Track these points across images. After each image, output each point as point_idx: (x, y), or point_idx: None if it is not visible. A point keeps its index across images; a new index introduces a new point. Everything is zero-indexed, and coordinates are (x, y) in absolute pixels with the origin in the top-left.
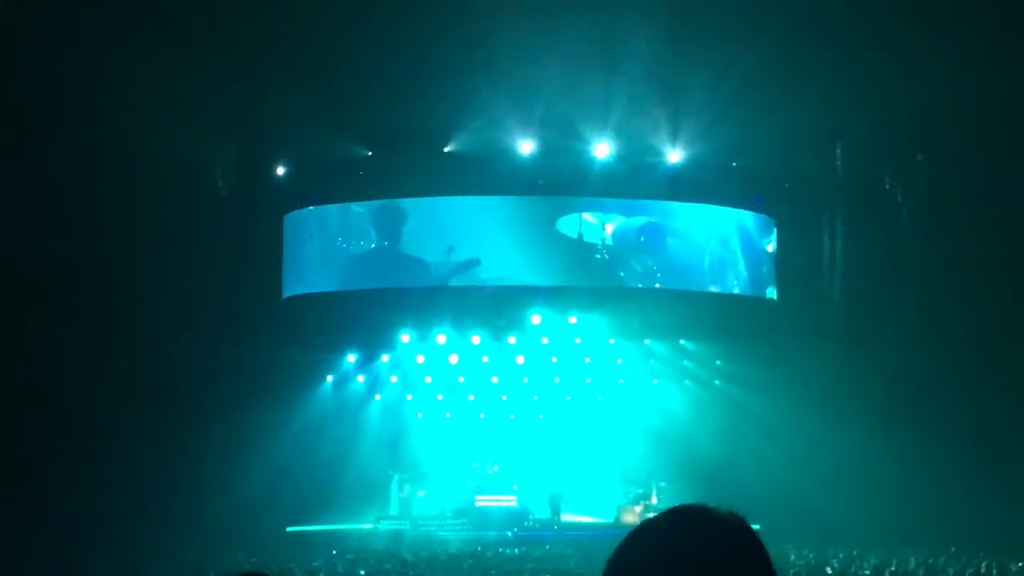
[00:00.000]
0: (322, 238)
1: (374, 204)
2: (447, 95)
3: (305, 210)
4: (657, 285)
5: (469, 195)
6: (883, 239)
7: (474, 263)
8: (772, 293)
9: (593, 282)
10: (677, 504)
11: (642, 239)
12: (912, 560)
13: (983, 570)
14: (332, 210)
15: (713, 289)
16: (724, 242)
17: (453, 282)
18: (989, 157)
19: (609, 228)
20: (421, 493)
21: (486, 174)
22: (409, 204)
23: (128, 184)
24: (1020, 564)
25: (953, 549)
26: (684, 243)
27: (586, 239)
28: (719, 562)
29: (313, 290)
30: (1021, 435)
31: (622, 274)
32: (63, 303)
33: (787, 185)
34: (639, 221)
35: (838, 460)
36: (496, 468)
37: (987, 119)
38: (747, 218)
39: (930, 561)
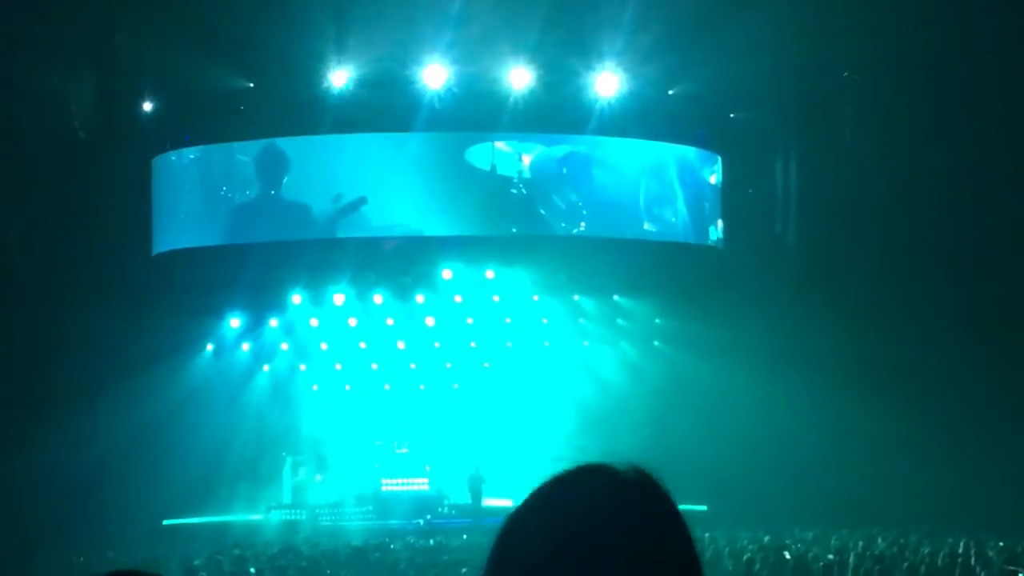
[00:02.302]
0: (197, 184)
1: (256, 144)
2: (335, 16)
3: (176, 152)
4: (583, 224)
5: (365, 132)
6: (843, 172)
7: (361, 201)
8: (716, 233)
9: (510, 222)
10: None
11: (564, 171)
12: (880, 540)
13: (961, 550)
14: (208, 152)
15: (647, 227)
16: (659, 174)
17: (342, 231)
18: (958, 74)
19: (527, 159)
20: (318, 478)
21: (384, 108)
22: (295, 143)
23: None
24: (1001, 543)
25: (927, 528)
26: (613, 176)
27: (500, 172)
28: (655, 542)
29: (188, 245)
30: (1007, 398)
31: (542, 211)
32: None
33: (732, 115)
34: (561, 151)
35: (793, 431)
36: (405, 448)
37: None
38: (687, 151)
39: (901, 541)
